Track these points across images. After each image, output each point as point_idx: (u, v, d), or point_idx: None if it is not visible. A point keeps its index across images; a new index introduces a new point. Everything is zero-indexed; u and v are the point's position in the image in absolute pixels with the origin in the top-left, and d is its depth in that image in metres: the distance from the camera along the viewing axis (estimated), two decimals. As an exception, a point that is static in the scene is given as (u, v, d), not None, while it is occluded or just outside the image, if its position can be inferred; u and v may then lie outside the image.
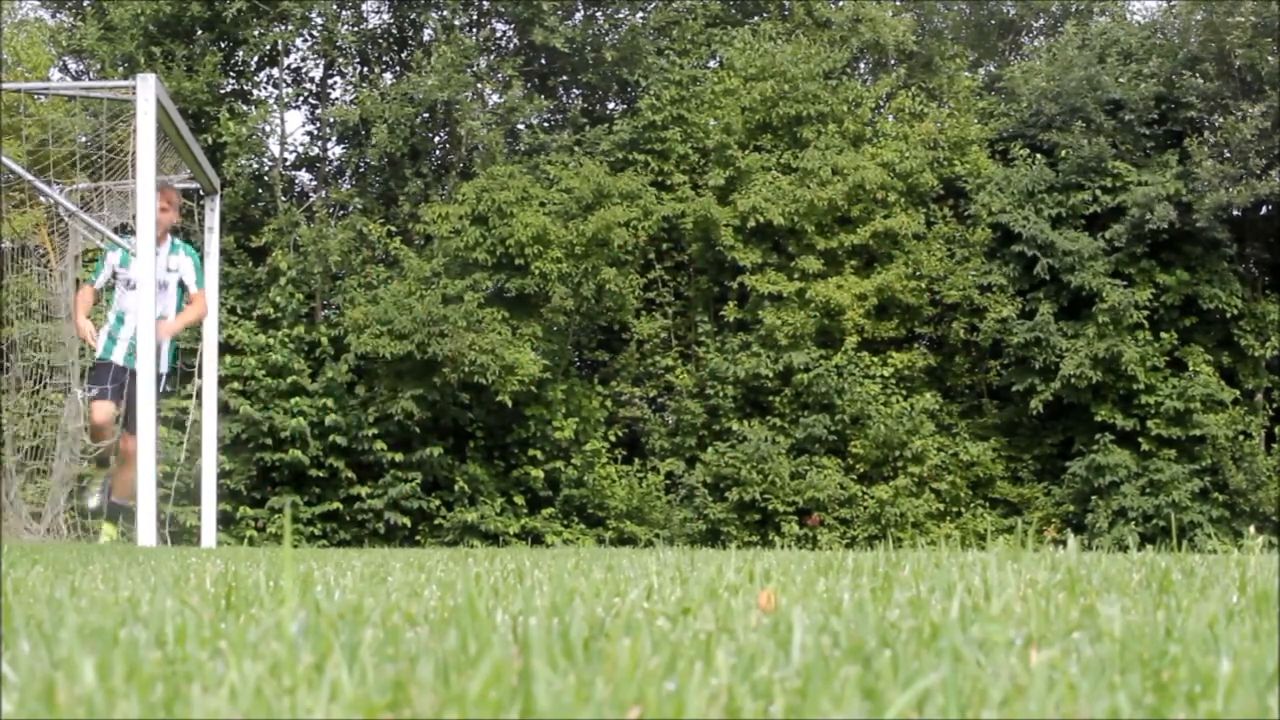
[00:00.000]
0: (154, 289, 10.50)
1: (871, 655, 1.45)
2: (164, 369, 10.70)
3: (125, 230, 13.86)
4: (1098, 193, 24.14)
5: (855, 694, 1.24)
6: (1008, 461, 24.61)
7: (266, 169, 25.04)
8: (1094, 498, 23.21)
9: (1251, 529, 21.63)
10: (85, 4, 25.42)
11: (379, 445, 22.82)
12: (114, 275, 10.89)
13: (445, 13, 25.17)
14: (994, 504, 24.31)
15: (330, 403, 23.02)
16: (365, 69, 25.77)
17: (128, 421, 10.65)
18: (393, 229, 24.38)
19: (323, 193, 25.66)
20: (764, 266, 24.26)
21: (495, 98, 25.55)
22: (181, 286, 10.80)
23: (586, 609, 1.94)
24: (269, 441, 22.77)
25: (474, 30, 25.71)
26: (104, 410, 10.72)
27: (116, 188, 14.04)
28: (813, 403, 23.79)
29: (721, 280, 25.00)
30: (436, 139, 25.83)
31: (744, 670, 1.36)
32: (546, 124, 25.97)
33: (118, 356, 10.81)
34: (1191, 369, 23.79)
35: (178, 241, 11.08)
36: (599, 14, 26.17)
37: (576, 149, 24.68)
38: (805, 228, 24.13)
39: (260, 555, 5.92)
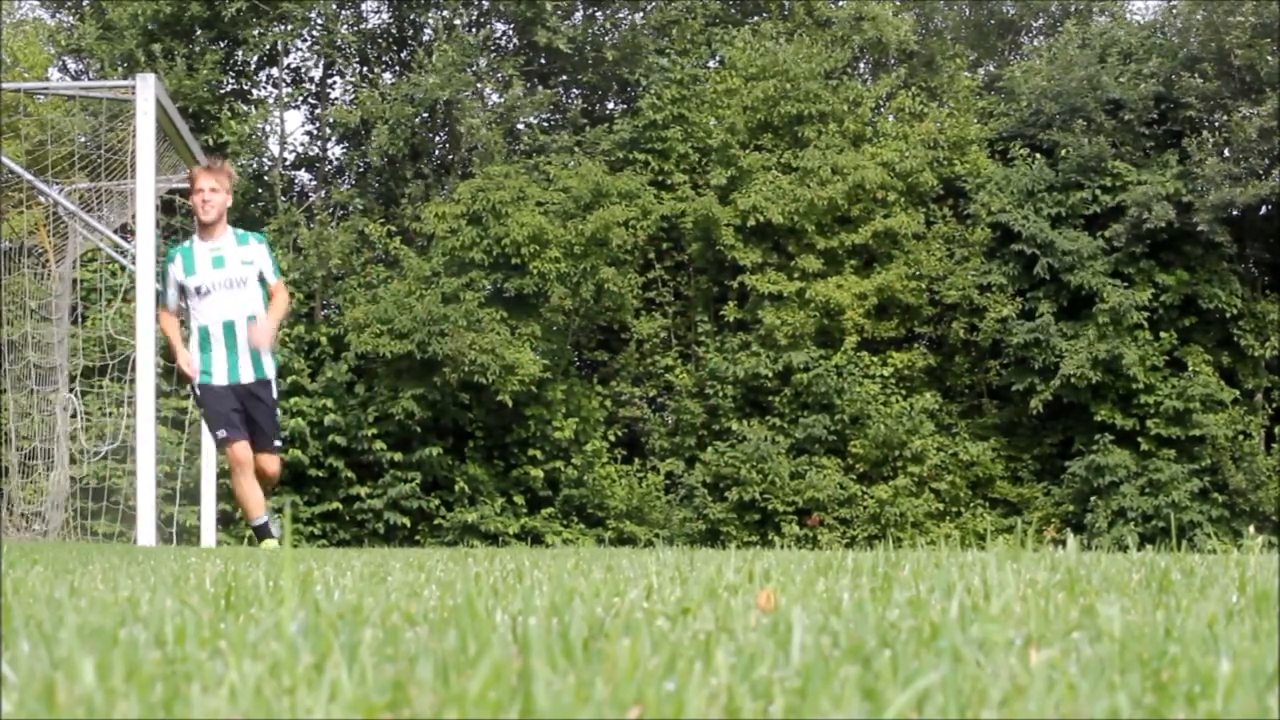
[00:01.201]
0: (226, 291, 9.14)
1: (871, 655, 1.45)
2: (271, 374, 9.26)
3: (125, 230, 13.80)
4: (1097, 192, 24.15)
5: (855, 694, 1.24)
6: (1007, 461, 24.62)
7: (266, 169, 25.04)
8: (1093, 498, 23.21)
9: (1251, 529, 21.61)
10: (84, 4, 25.41)
11: (379, 445, 22.82)
12: (181, 290, 9.26)
13: (446, 12, 25.17)
14: (994, 504, 24.31)
15: (330, 403, 23.02)
16: (365, 69, 25.77)
17: (261, 440, 9.20)
18: (393, 229, 24.39)
19: (323, 193, 25.67)
20: (764, 266, 24.26)
21: (495, 97, 25.55)
22: (261, 280, 9.27)
23: (586, 609, 1.94)
24: (268, 441, 22.75)
25: (474, 30, 25.72)
26: (242, 449, 9.17)
27: (116, 188, 14.05)
28: (812, 403, 23.79)
29: (721, 280, 25.00)
30: (437, 139, 25.83)
31: (744, 670, 1.36)
32: (546, 124, 25.97)
33: (219, 377, 9.19)
34: (1191, 369, 23.79)
35: (242, 230, 9.50)
36: (599, 14, 26.17)
37: (577, 149, 24.68)
38: (805, 227, 24.13)
39: (260, 555, 5.92)
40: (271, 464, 9.25)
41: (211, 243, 9.21)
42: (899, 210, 24.48)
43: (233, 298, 9.15)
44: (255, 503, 9.18)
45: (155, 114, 10.89)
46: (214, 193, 9.19)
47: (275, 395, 9.32)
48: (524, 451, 23.55)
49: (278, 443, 9.33)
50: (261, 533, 9.23)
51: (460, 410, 23.32)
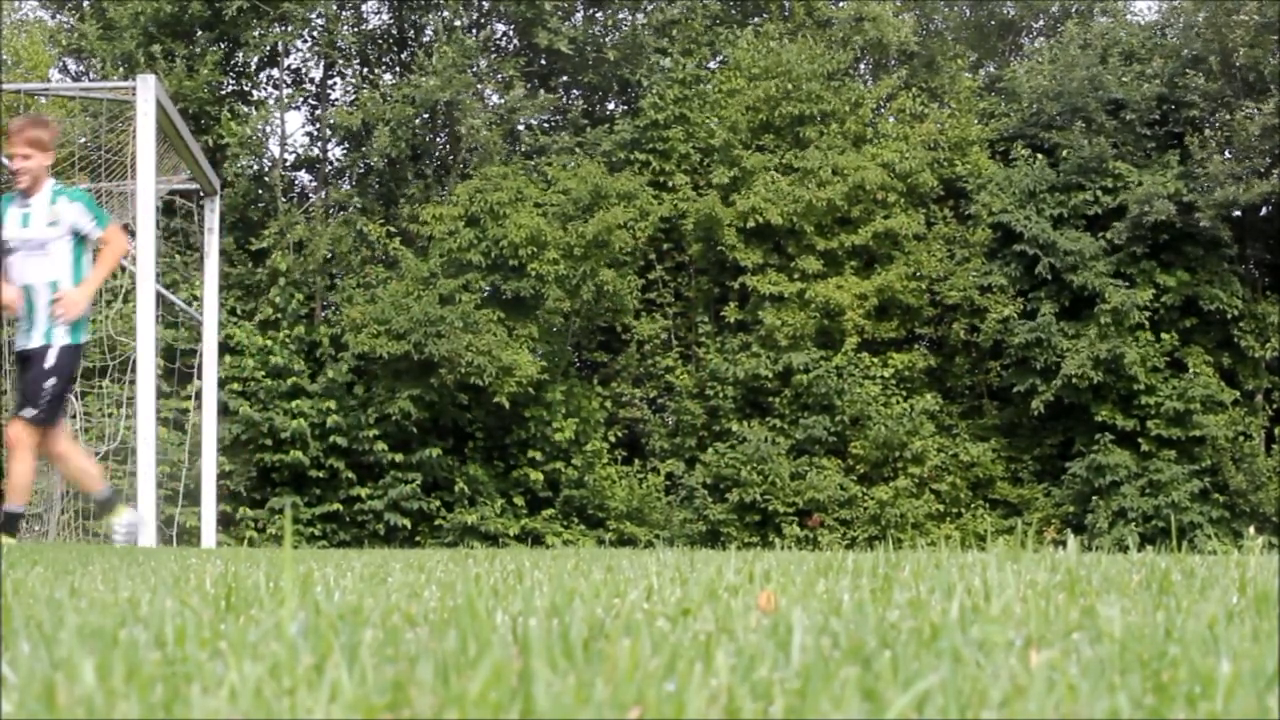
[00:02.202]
0: (27, 253, 8.41)
1: (871, 656, 1.45)
2: (58, 340, 8.39)
3: (125, 231, 13.79)
4: (1098, 193, 24.16)
5: (855, 695, 1.24)
6: (1008, 462, 24.61)
7: (266, 170, 25.03)
8: (1094, 498, 23.21)
9: (1251, 529, 21.62)
10: (85, 4, 25.40)
11: (379, 446, 22.81)
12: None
13: (446, 13, 25.17)
14: (994, 505, 24.30)
15: (331, 404, 23.00)
16: (365, 70, 25.77)
17: (17, 403, 8.41)
18: (392, 229, 24.38)
19: (323, 193, 25.66)
20: (764, 267, 24.26)
21: (495, 98, 25.55)
22: (80, 239, 8.46)
23: (586, 610, 1.94)
24: (269, 442, 22.76)
25: (475, 31, 25.72)
26: (10, 428, 8.40)
27: (116, 189, 14.04)
28: (813, 403, 23.79)
29: (722, 281, 25.00)
30: (437, 140, 25.83)
31: (744, 671, 1.36)
32: (547, 125, 25.96)
33: (20, 342, 8.53)
34: (1192, 370, 23.80)
35: (59, 187, 8.68)
36: (599, 14, 26.17)
37: (577, 150, 24.67)
38: (805, 228, 24.13)
39: (260, 556, 5.92)
40: (14, 429, 8.33)
41: (25, 200, 8.54)
42: (899, 211, 24.48)
43: (34, 261, 8.45)
44: (13, 488, 8.37)
45: (155, 115, 10.90)
46: (26, 159, 8.44)
47: (53, 362, 8.40)
48: (524, 452, 23.54)
49: (29, 411, 8.33)
50: (7, 525, 8.37)
51: (460, 411, 23.31)
